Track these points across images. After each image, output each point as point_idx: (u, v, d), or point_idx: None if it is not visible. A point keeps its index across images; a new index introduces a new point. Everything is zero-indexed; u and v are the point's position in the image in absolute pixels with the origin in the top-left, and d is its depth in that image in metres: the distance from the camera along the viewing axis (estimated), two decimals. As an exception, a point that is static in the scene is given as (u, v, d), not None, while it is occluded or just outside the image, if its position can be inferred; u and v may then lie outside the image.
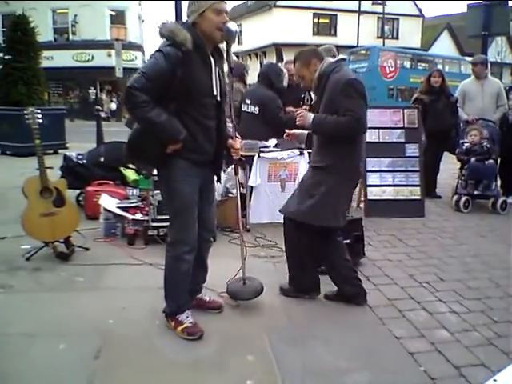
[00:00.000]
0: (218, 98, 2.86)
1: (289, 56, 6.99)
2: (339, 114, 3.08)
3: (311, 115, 3.23)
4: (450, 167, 7.78)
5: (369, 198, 6.03)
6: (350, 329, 3.05)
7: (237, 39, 3.00)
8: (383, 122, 6.18)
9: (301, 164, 5.17)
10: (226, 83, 3.04)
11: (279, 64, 6.60)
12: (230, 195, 4.97)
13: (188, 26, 2.70)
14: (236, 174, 3.33)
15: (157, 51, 2.64)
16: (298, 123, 3.32)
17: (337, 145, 3.19)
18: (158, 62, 2.60)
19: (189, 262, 2.88)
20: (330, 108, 3.15)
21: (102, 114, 9.98)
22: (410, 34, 35.06)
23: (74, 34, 28.17)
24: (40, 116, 4.08)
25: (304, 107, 3.46)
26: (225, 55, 2.90)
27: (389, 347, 2.85)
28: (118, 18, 28.43)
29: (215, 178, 3.11)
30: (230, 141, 3.03)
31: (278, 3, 33.36)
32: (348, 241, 4.07)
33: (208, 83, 2.77)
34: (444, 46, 34.90)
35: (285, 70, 5.48)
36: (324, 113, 3.19)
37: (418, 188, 6.06)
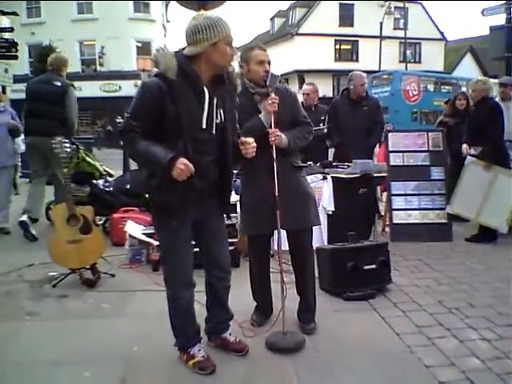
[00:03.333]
0: (213, 131, 2.62)
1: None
2: (298, 120, 3.31)
3: (284, 136, 3.11)
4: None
5: (394, 221, 5.96)
6: (377, 357, 2.98)
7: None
8: (407, 146, 6.15)
9: (324, 189, 5.15)
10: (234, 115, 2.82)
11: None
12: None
13: (179, 54, 2.57)
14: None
15: (141, 83, 2.57)
16: (272, 143, 3.04)
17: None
18: (138, 98, 2.51)
19: (186, 298, 2.78)
20: (289, 114, 3.28)
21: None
22: (433, 58, 35.00)
23: (101, 65, 28.96)
24: (68, 145, 4.18)
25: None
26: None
27: (418, 376, 2.77)
28: (144, 50, 29.13)
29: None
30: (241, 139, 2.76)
31: (300, 31, 33.84)
32: (374, 266, 4.02)
33: (199, 115, 2.56)
34: (467, 68, 34.65)
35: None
36: (284, 117, 3.21)
37: (445, 211, 5.97)
